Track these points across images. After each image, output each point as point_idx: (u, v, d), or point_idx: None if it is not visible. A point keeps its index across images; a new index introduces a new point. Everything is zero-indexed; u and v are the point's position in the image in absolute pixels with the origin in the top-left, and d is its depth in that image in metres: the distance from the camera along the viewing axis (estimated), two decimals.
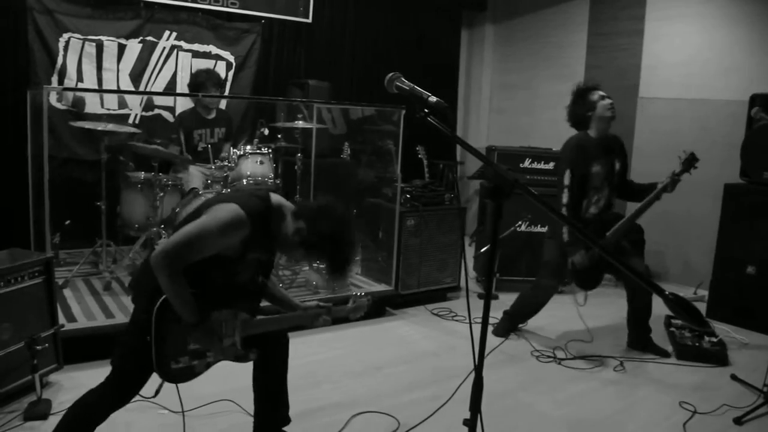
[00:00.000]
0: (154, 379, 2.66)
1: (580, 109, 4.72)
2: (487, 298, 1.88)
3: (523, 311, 5.16)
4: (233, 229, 2.42)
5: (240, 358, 2.75)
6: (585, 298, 5.07)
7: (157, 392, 2.72)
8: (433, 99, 1.95)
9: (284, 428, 3.15)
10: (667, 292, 1.62)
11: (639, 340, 5.00)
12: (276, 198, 2.64)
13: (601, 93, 4.68)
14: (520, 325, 5.26)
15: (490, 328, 5.11)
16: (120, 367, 2.64)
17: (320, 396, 3.92)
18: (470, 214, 8.97)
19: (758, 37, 6.40)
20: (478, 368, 1.89)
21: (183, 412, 3.20)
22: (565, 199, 4.61)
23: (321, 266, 5.38)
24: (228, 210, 2.43)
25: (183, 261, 2.39)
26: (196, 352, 2.62)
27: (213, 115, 5.88)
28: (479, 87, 9.46)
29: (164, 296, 2.43)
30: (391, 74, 2.09)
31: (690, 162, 4.50)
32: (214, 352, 2.66)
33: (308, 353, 4.60)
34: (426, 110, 1.95)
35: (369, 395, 3.96)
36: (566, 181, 4.61)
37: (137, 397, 2.69)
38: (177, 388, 2.82)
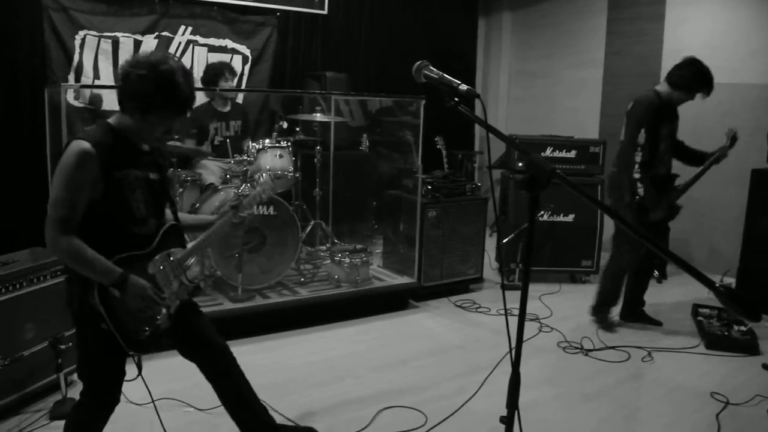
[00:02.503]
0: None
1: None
2: (524, 289, 1.83)
3: (607, 288, 5.09)
4: (82, 160, 2.31)
5: (193, 293, 2.74)
6: None
7: (139, 368, 2.64)
8: (463, 87, 1.89)
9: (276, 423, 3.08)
10: (717, 284, 1.55)
11: (632, 313, 5.20)
12: (114, 119, 2.52)
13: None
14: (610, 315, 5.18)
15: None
16: (89, 374, 2.55)
17: (344, 391, 3.88)
18: (490, 204, 8.88)
19: None
20: (515, 364, 1.84)
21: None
22: (638, 158, 4.64)
23: (341, 258, 5.36)
24: (69, 150, 2.33)
25: (67, 222, 2.31)
26: (154, 311, 2.53)
27: (228, 108, 5.84)
28: (497, 75, 9.36)
29: (95, 284, 2.35)
30: (419, 63, 2.03)
31: (734, 140, 4.92)
32: (169, 302, 2.60)
33: (330, 348, 4.57)
34: (456, 99, 1.89)
35: (394, 389, 3.92)
36: (641, 140, 4.64)
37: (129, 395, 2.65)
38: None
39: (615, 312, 5.20)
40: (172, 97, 2.44)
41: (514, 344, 1.87)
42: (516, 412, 1.88)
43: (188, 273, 2.76)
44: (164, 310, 2.58)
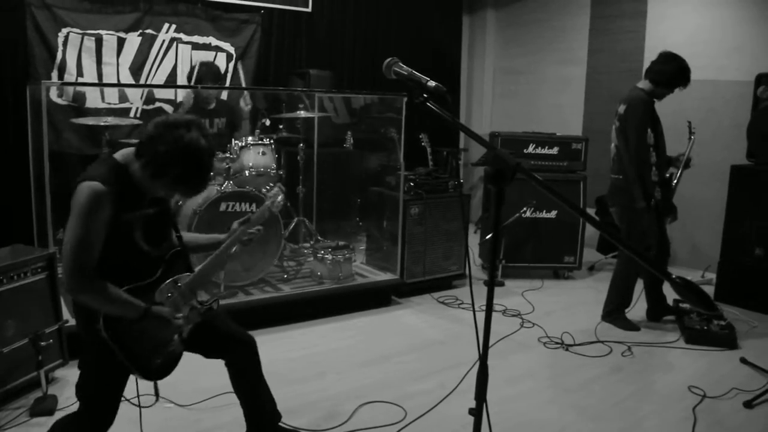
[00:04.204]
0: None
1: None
2: (491, 284, 1.85)
3: (619, 292, 5.09)
4: (97, 203, 2.28)
5: (205, 315, 2.68)
6: None
7: (156, 393, 2.68)
8: (431, 83, 1.91)
9: (280, 423, 3.12)
10: (674, 276, 1.58)
11: (658, 311, 5.22)
12: (120, 154, 2.48)
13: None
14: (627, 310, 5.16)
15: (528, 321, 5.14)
16: (92, 395, 2.54)
17: (325, 387, 3.91)
18: (475, 201, 8.93)
19: (764, 16, 6.32)
20: (483, 357, 1.86)
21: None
22: (653, 159, 4.67)
23: (325, 257, 5.36)
24: (83, 191, 2.29)
25: (87, 266, 2.29)
26: (166, 338, 2.54)
27: (213, 106, 5.84)
28: (482, 73, 9.39)
29: (100, 315, 2.33)
30: (388, 59, 2.05)
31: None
32: (181, 327, 2.59)
33: (312, 344, 4.59)
34: (425, 95, 1.91)
35: (375, 385, 3.94)
36: (650, 140, 4.67)
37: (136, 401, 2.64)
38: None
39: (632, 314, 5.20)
40: (188, 182, 2.44)
41: (482, 337, 1.90)
42: (484, 404, 1.90)
43: (200, 295, 2.76)
44: (176, 336, 2.59)
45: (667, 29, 7.05)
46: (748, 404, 3.77)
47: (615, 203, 4.99)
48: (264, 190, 2.88)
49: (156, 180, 2.39)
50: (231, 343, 2.89)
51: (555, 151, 6.41)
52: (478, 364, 1.93)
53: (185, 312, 2.60)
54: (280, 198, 2.93)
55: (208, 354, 2.88)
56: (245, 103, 5.65)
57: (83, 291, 2.30)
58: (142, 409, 3.42)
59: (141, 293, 2.44)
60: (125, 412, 3.35)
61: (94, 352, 2.44)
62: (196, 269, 2.72)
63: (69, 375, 3.80)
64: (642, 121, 4.67)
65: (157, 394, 2.68)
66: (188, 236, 2.86)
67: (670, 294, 5.19)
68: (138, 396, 2.77)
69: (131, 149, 2.46)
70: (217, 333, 2.83)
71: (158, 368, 2.52)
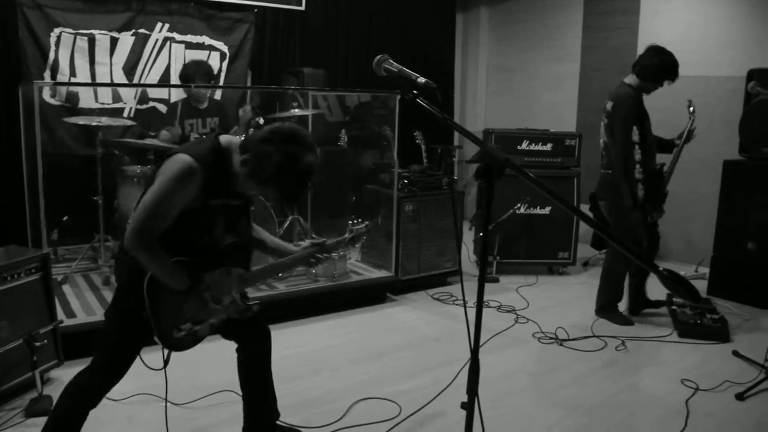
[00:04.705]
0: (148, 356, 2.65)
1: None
2: (481, 280, 1.87)
3: (610, 286, 5.13)
4: (187, 178, 2.33)
5: (242, 313, 2.71)
6: None
7: (166, 362, 2.69)
8: (421, 80, 1.93)
9: (277, 422, 3.14)
10: (661, 268, 1.60)
11: (639, 305, 5.26)
12: (226, 138, 2.53)
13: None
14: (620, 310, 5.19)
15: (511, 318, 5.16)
16: (109, 346, 2.58)
17: (320, 384, 3.92)
18: (470, 198, 8.95)
19: (756, 11, 6.34)
20: (474, 352, 1.88)
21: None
22: (638, 156, 4.67)
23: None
24: (176, 162, 2.35)
25: (154, 231, 2.36)
26: (197, 318, 2.58)
27: (205, 105, 5.83)
28: (476, 70, 9.40)
29: (148, 273, 2.40)
30: (379, 56, 2.07)
31: (692, 109, 5.08)
32: (215, 315, 2.62)
33: (307, 342, 4.60)
34: (415, 92, 1.92)
35: (370, 382, 3.96)
36: (635, 137, 4.67)
37: (147, 372, 2.65)
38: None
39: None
40: (283, 197, 2.50)
41: (474, 332, 1.92)
42: (476, 398, 1.92)
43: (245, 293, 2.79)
44: (208, 321, 2.62)
45: (659, 25, 7.07)
46: (740, 396, 3.79)
47: (603, 197, 5.01)
48: (351, 221, 2.90)
49: (251, 180, 2.44)
50: (250, 326, 2.91)
51: (548, 147, 6.43)
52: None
53: (225, 302, 2.63)
54: (361, 239, 3.02)
55: (225, 334, 2.90)
56: (244, 112, 5.61)
57: (139, 251, 2.35)
58: (137, 408, 3.45)
59: (192, 270, 2.49)
60: (123, 410, 3.39)
61: (128, 304, 2.48)
62: (253, 269, 2.76)
63: (64, 375, 3.79)
64: (628, 118, 4.68)
65: (166, 362, 2.69)
66: (259, 233, 2.92)
67: (660, 289, 5.21)
68: (166, 397, 2.77)
69: (239, 138, 2.52)
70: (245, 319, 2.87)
71: (178, 341, 2.56)
